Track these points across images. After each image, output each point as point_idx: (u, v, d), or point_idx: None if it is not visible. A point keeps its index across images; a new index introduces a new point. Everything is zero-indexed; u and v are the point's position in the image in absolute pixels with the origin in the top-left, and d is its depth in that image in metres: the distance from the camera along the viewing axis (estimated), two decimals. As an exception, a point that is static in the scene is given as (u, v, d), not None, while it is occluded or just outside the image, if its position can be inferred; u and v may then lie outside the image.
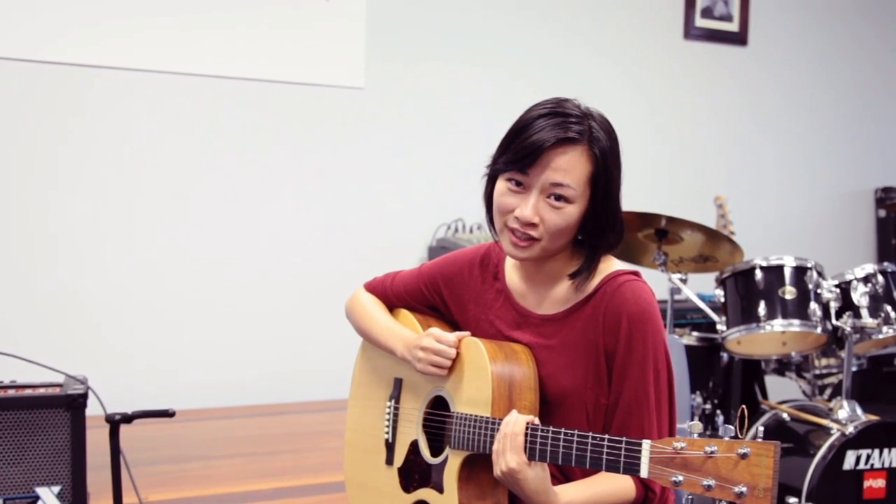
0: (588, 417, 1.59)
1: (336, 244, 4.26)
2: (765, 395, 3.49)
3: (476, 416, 1.59)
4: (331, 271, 4.17)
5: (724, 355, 3.29)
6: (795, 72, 5.35)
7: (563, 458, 1.43)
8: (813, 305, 2.92)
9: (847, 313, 2.86)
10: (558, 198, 1.53)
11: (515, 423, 1.48)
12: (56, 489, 2.22)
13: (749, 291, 2.98)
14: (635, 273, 1.62)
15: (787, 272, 2.97)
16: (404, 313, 1.86)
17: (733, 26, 5.12)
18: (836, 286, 2.95)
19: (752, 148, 5.25)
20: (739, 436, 1.24)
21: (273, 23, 4.09)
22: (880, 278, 2.96)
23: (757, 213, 5.02)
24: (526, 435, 1.47)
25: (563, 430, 1.44)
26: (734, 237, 3.26)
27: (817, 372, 3.34)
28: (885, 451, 2.75)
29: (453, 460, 1.63)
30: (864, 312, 2.88)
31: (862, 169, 5.55)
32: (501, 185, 1.58)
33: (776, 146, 5.31)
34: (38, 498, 2.21)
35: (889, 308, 2.92)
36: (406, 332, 1.79)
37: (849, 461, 2.72)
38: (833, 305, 2.92)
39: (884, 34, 5.58)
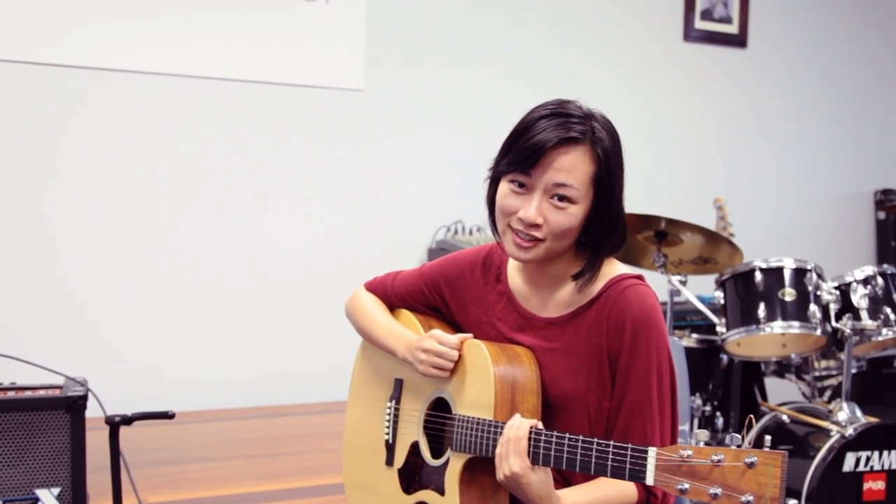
0: (590, 421, 1.59)
1: (335, 246, 4.26)
2: (764, 397, 3.50)
3: (478, 418, 1.59)
4: (330, 273, 4.17)
5: (724, 357, 3.29)
6: (795, 74, 5.35)
7: (568, 463, 1.43)
8: (812, 307, 2.92)
9: (847, 315, 2.86)
10: (561, 198, 1.53)
11: (519, 428, 1.48)
12: (56, 491, 2.22)
13: (749, 293, 2.99)
14: (639, 277, 1.62)
15: (787, 274, 2.97)
16: (405, 314, 1.85)
17: (733, 28, 5.13)
18: (836, 288, 2.95)
19: (752, 150, 5.25)
20: (746, 445, 1.24)
21: (272, 25, 4.09)
22: (880, 280, 2.97)
23: (756, 214, 5.03)
24: (529, 439, 1.47)
25: (567, 435, 1.43)
26: (734, 239, 3.26)
27: (817, 374, 3.34)
28: (885, 452, 2.75)
29: (455, 463, 1.63)
30: (864, 314, 2.88)
31: (861, 171, 5.56)
32: (504, 186, 1.57)
33: (776, 148, 5.32)
34: (37, 500, 2.21)
35: (888, 310, 2.92)
36: (407, 332, 1.78)
37: (848, 463, 2.72)
38: (833, 307, 2.92)
39: (883, 36, 5.58)
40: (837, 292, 2.94)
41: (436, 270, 1.82)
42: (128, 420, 1.93)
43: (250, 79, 4.08)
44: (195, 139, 4.02)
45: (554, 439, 1.44)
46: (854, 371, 3.14)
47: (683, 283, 3.18)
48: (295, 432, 3.70)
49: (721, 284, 3.10)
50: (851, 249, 5.47)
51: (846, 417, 2.79)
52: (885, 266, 3.04)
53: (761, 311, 2.93)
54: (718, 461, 1.23)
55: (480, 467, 1.61)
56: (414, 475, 1.74)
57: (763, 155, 5.28)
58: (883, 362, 3.67)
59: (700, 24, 5.04)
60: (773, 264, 2.99)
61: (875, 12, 5.55)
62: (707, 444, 1.29)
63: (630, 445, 1.35)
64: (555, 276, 1.64)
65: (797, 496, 2.70)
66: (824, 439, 2.75)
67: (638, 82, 4.91)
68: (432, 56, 4.43)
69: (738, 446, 1.25)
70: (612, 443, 1.37)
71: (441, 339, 1.67)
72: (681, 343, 3.16)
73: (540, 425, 1.49)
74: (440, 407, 1.73)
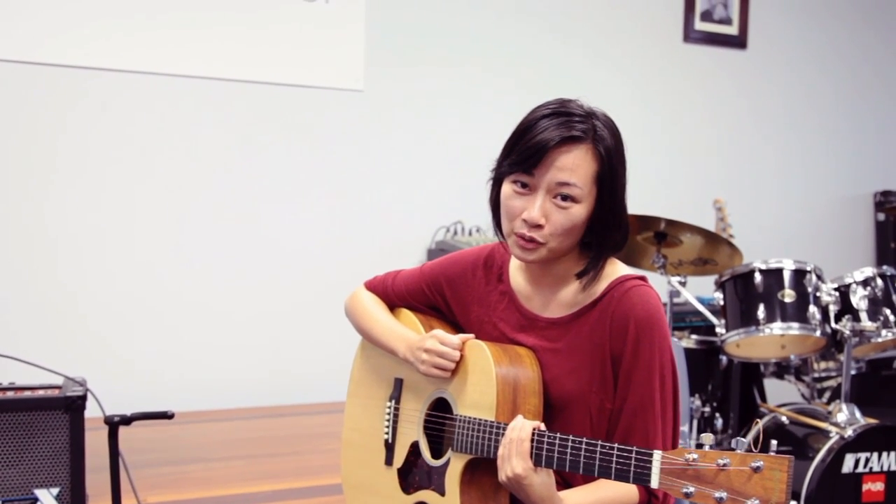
0: (591, 422, 1.59)
1: (335, 247, 4.26)
2: (763, 399, 3.50)
3: (480, 419, 1.59)
4: (330, 273, 4.17)
5: (723, 358, 3.29)
6: (795, 75, 5.35)
7: (571, 465, 1.42)
8: (812, 309, 2.92)
9: (846, 317, 2.86)
10: (565, 198, 1.52)
11: (521, 429, 1.48)
12: (55, 491, 2.22)
13: (748, 294, 2.99)
14: (642, 278, 1.62)
15: (787, 275, 2.97)
16: (406, 313, 1.85)
17: (733, 30, 5.13)
18: (836, 289, 2.95)
19: (752, 151, 5.25)
20: (753, 449, 1.24)
21: (271, 25, 4.09)
22: (879, 282, 2.97)
23: (756, 216, 5.03)
24: (532, 441, 1.47)
25: (570, 436, 1.43)
26: (733, 240, 3.26)
27: (816, 375, 3.34)
28: (884, 454, 2.75)
29: (456, 463, 1.63)
30: (863, 316, 2.88)
31: (861, 172, 5.56)
32: (507, 188, 1.57)
33: (775, 149, 5.32)
34: (36, 500, 2.21)
35: (888, 311, 2.92)
36: (408, 332, 1.78)
37: (847, 464, 2.72)
38: (832, 309, 2.92)
39: (883, 37, 5.59)
40: (837, 294, 2.93)
41: (437, 270, 1.82)
42: (127, 420, 1.93)
43: (250, 79, 4.08)
44: (195, 139, 4.02)
45: (557, 441, 1.44)
46: (853, 372, 3.14)
47: (683, 284, 3.18)
48: (294, 432, 3.70)
49: (720, 285, 3.10)
50: (851, 251, 5.47)
51: (845, 419, 2.79)
52: (884, 267, 3.04)
53: (761, 312, 2.93)
54: (724, 465, 1.22)
55: (481, 468, 1.61)
56: (413, 475, 1.74)
57: (763, 156, 5.28)
58: (882, 364, 3.67)
59: (700, 26, 5.04)
60: (773, 265, 2.99)
61: (875, 13, 5.56)
62: (712, 447, 1.29)
63: (635, 448, 1.35)
64: (558, 276, 1.64)
65: (796, 498, 2.70)
66: (823, 441, 2.75)
67: (638, 83, 4.91)
68: (432, 57, 4.43)
69: (746, 451, 1.24)
70: (616, 445, 1.37)
71: (443, 339, 1.67)
72: (680, 344, 3.16)
73: (543, 427, 1.49)
74: (441, 407, 1.72)
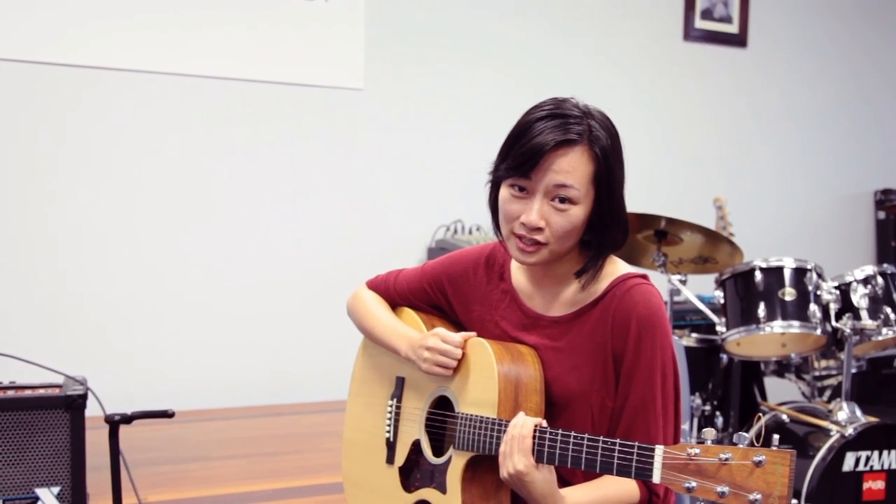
0: (593, 420, 1.59)
1: (335, 246, 4.26)
2: (764, 397, 3.50)
3: (482, 417, 1.59)
4: (330, 272, 4.17)
5: (724, 357, 3.29)
6: (795, 73, 5.35)
7: (573, 461, 1.43)
8: (812, 307, 2.92)
9: (847, 315, 2.86)
10: (563, 200, 1.52)
11: (523, 426, 1.48)
12: (55, 490, 2.22)
13: (749, 293, 2.99)
14: (644, 276, 1.62)
15: (787, 274, 2.97)
16: (408, 312, 1.85)
17: (733, 28, 5.13)
18: (836, 288, 2.95)
19: (752, 149, 5.25)
20: (755, 444, 1.24)
21: (271, 24, 4.09)
22: (880, 280, 2.97)
23: (756, 214, 5.03)
24: (534, 437, 1.47)
25: (572, 433, 1.43)
26: (734, 238, 3.26)
27: (817, 373, 3.34)
28: (885, 452, 2.75)
29: (457, 461, 1.63)
30: (864, 314, 2.89)
31: (862, 171, 5.56)
32: (505, 191, 1.57)
33: (776, 148, 5.32)
34: (37, 499, 2.21)
35: (888, 310, 2.92)
36: (410, 331, 1.78)
37: (848, 463, 2.72)
38: (833, 307, 2.92)
39: (884, 35, 5.58)
40: (837, 292, 2.94)
41: (438, 269, 1.82)
42: (127, 419, 1.93)
43: (250, 78, 4.08)
44: (195, 138, 4.02)
45: (559, 437, 1.44)
46: (854, 371, 3.14)
47: (683, 282, 3.17)
48: (294, 431, 3.70)
49: (721, 284, 3.09)
50: (851, 249, 5.47)
51: (846, 417, 2.79)
52: (885, 266, 3.04)
53: (761, 310, 2.93)
54: (726, 460, 1.23)
55: (483, 466, 1.61)
56: (415, 473, 1.74)
57: (763, 154, 5.28)
58: (883, 362, 3.67)
59: (700, 24, 5.03)
60: (773, 264, 2.99)
61: (875, 11, 5.55)
62: (714, 442, 1.29)
63: (637, 444, 1.35)
64: (559, 276, 1.64)
65: (797, 496, 2.70)
66: (824, 439, 2.75)
67: (638, 82, 4.91)
68: (432, 55, 4.43)
69: (747, 445, 1.24)
70: (618, 441, 1.37)
71: (445, 338, 1.67)
72: (681, 342, 3.16)
73: (544, 423, 1.49)
74: (442, 405, 1.72)
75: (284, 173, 4.18)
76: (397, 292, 1.87)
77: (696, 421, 3.27)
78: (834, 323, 2.90)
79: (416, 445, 1.75)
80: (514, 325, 1.69)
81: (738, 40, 5.15)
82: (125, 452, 2.10)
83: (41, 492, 2.21)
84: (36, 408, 2.22)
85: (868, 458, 2.73)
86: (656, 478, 1.31)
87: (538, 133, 1.51)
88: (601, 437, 1.40)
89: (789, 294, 2.94)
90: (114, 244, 3.89)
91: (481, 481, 1.62)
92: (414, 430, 1.76)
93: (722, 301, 3.08)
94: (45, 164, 3.78)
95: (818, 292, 2.94)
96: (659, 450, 1.31)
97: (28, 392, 2.27)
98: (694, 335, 3.44)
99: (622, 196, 1.59)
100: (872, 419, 2.82)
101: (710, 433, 1.31)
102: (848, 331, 2.81)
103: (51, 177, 3.79)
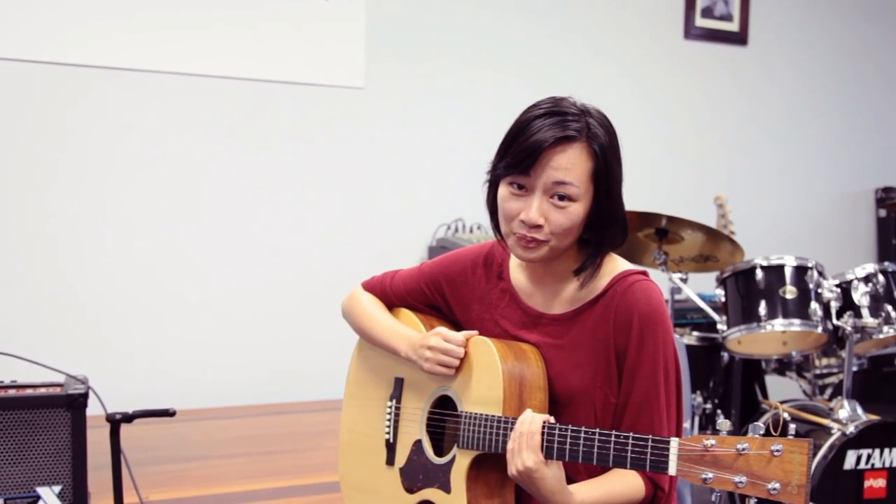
0: (596, 417, 1.59)
1: (336, 244, 4.26)
2: (765, 395, 3.49)
3: (487, 415, 1.59)
4: (330, 271, 4.17)
5: (725, 355, 3.29)
6: (796, 71, 5.35)
7: (584, 456, 1.42)
8: (814, 305, 2.92)
9: (848, 313, 2.86)
10: (562, 197, 1.52)
11: (531, 422, 1.48)
12: (57, 489, 2.22)
13: (750, 291, 2.99)
14: (644, 273, 1.62)
15: (788, 272, 2.97)
16: (406, 313, 1.84)
17: (733, 26, 5.12)
18: (837, 286, 2.95)
19: (753, 147, 5.25)
20: (773, 433, 1.24)
21: (272, 23, 4.09)
22: (881, 278, 2.96)
23: (757, 212, 5.03)
24: (542, 433, 1.47)
25: (582, 428, 1.44)
26: (734, 237, 3.26)
27: (818, 372, 3.34)
28: (886, 450, 2.75)
29: (462, 460, 1.62)
30: (865, 312, 2.88)
31: (862, 169, 5.56)
32: (504, 189, 1.57)
33: (776, 146, 5.31)
34: (38, 498, 2.21)
35: (890, 308, 2.92)
36: (409, 331, 1.78)
37: (849, 461, 2.72)
38: (834, 305, 2.92)
39: (884, 33, 5.58)
40: (838, 290, 2.93)
41: (436, 269, 1.82)
42: (128, 418, 1.94)
43: (250, 77, 4.08)
44: (195, 137, 4.02)
45: (569, 433, 1.44)
46: (855, 369, 3.13)
47: (684, 280, 3.17)
48: (295, 430, 3.70)
49: (722, 282, 3.09)
50: (852, 247, 5.47)
51: (847, 415, 2.79)
52: (885, 263, 3.04)
53: (762, 308, 2.93)
54: (743, 450, 1.22)
55: (487, 464, 1.61)
56: (416, 474, 1.74)
57: (764, 152, 5.28)
58: (884, 360, 3.67)
59: (701, 22, 5.03)
60: (774, 262, 2.99)
61: (876, 9, 5.55)
62: (730, 433, 1.29)
63: (651, 437, 1.35)
64: (559, 273, 1.64)
65: (798, 494, 2.69)
66: (825, 437, 2.75)
67: (638, 80, 4.90)
68: (432, 54, 4.43)
69: (762, 435, 1.24)
70: (631, 434, 1.38)
71: (447, 337, 1.67)
72: (682, 341, 3.15)
73: (552, 420, 1.49)
74: (443, 405, 1.72)
75: (285, 172, 4.18)
76: (394, 293, 1.87)
77: (697, 419, 3.27)
78: (835, 321, 2.90)
79: (417, 446, 1.74)
80: (514, 324, 1.69)
81: (739, 38, 5.15)
82: (126, 451, 2.10)
83: (42, 491, 2.21)
84: (37, 407, 2.22)
85: (869, 457, 2.73)
86: (672, 469, 1.31)
87: (537, 130, 1.51)
88: (613, 431, 1.40)
89: (790, 292, 2.94)
90: (115, 243, 3.89)
91: (486, 479, 1.62)
92: (415, 430, 1.76)
93: (723, 299, 3.08)
94: (45, 163, 3.78)
95: (819, 290, 2.94)
96: (674, 441, 1.31)
97: (29, 391, 2.27)
98: (695, 333, 3.44)
99: (620, 194, 1.60)
100: (874, 417, 2.82)
101: (725, 424, 1.31)
102: (849, 329, 2.80)
103: (51, 176, 3.79)
